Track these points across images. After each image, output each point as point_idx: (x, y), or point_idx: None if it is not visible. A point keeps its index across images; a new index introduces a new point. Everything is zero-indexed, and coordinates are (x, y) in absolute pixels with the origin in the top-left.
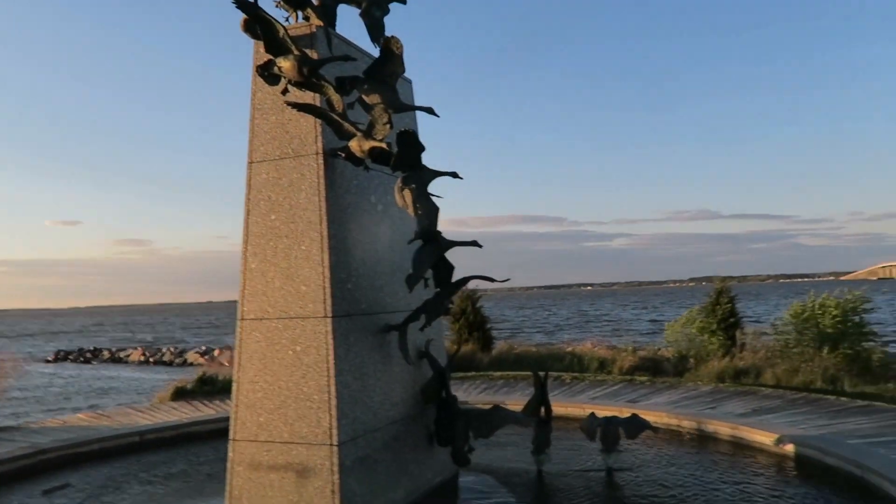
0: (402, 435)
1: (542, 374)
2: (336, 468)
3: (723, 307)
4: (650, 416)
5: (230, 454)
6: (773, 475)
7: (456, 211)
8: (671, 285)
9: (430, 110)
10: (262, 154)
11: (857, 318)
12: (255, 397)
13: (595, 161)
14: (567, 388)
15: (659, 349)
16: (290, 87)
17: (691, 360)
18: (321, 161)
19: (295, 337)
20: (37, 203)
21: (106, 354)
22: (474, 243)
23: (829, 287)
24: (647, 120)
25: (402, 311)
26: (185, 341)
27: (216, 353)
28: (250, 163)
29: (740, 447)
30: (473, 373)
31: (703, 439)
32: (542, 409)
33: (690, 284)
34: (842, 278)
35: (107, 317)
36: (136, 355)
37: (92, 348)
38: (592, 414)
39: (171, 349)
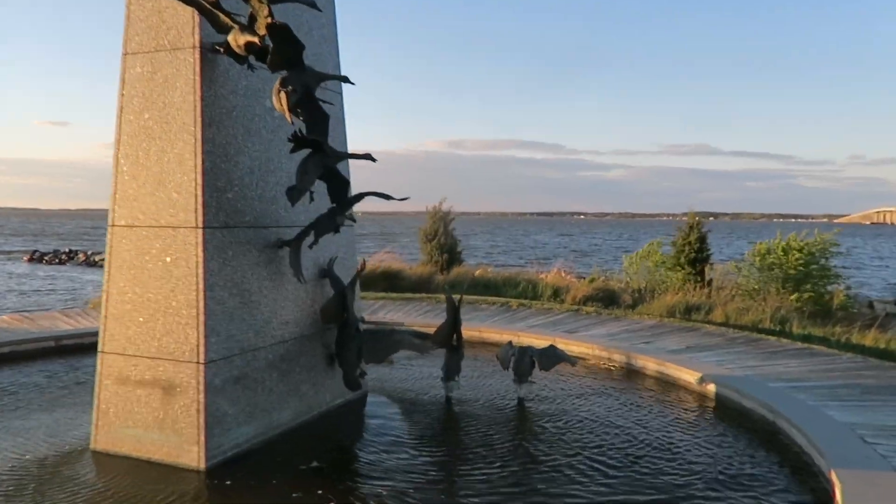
0: (294, 355)
1: (455, 297)
2: (202, 387)
3: (692, 243)
4: (582, 348)
5: (98, 367)
6: (682, 413)
7: (454, 132)
8: (664, 218)
9: (311, 3)
10: (137, 45)
11: (822, 262)
12: (124, 309)
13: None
14: (510, 315)
15: (609, 280)
16: None
17: (645, 294)
18: (198, 56)
19: (165, 247)
20: (26, 102)
21: (81, 257)
22: (368, 156)
23: (822, 229)
24: (651, 48)
25: (300, 226)
26: None
27: None
28: (124, 54)
29: (664, 384)
30: (423, 294)
31: (629, 374)
32: (454, 336)
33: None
34: (835, 220)
35: (94, 220)
36: None
37: (67, 250)
38: (509, 343)
39: None
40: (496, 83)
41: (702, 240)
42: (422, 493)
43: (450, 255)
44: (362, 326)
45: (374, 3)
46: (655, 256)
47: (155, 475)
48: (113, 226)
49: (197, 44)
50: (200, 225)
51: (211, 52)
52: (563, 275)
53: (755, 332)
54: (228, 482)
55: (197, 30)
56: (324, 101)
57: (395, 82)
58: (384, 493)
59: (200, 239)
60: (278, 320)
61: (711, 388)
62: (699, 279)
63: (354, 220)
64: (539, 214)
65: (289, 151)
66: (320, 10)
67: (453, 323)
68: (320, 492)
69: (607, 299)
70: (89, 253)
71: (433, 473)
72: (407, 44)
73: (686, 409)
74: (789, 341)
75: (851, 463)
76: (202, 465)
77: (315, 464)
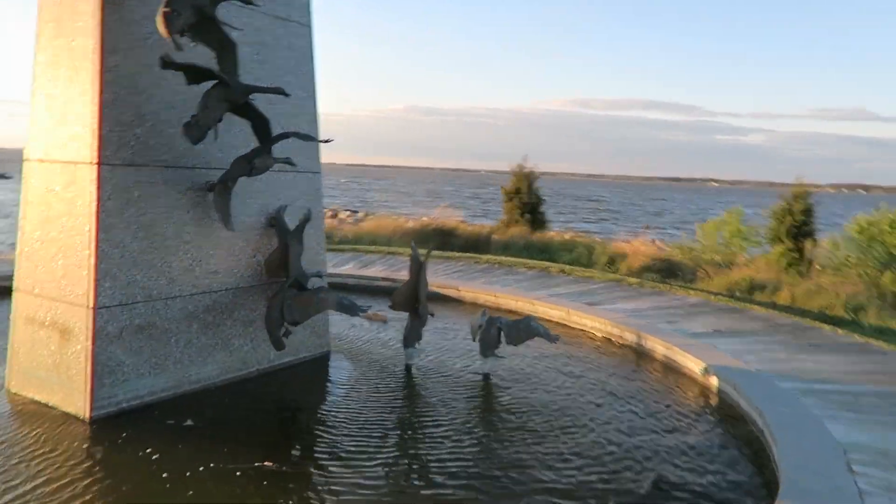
0: (224, 307)
1: (420, 252)
2: (90, 333)
3: (795, 214)
4: (595, 323)
5: (13, 305)
6: (662, 407)
7: (580, 91)
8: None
9: None
10: None
11: None
12: (34, 247)
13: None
14: (541, 281)
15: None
16: None
17: (714, 267)
18: None
19: (68, 183)
20: None
21: None
22: (279, 90)
23: None
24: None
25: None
26: None
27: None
28: None
29: (666, 369)
30: (470, 254)
31: (633, 356)
32: (416, 299)
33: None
34: None
35: None
36: None
37: None
38: (483, 311)
39: None
40: (631, 39)
41: (807, 212)
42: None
43: (532, 214)
44: (318, 283)
45: None
46: (732, 226)
47: (47, 420)
48: (27, 160)
49: None
50: (96, 161)
51: None
52: (642, 243)
53: (814, 319)
54: (111, 434)
55: None
56: (229, 26)
57: (528, 30)
58: (245, 453)
59: (95, 176)
60: (203, 269)
61: (713, 381)
62: (798, 256)
63: (292, 164)
64: (667, 180)
65: (186, 84)
66: None
67: (415, 284)
68: (186, 450)
69: (666, 271)
70: None
71: (323, 441)
72: None
73: (670, 403)
74: (846, 333)
75: (808, 495)
76: (87, 415)
77: (189, 422)
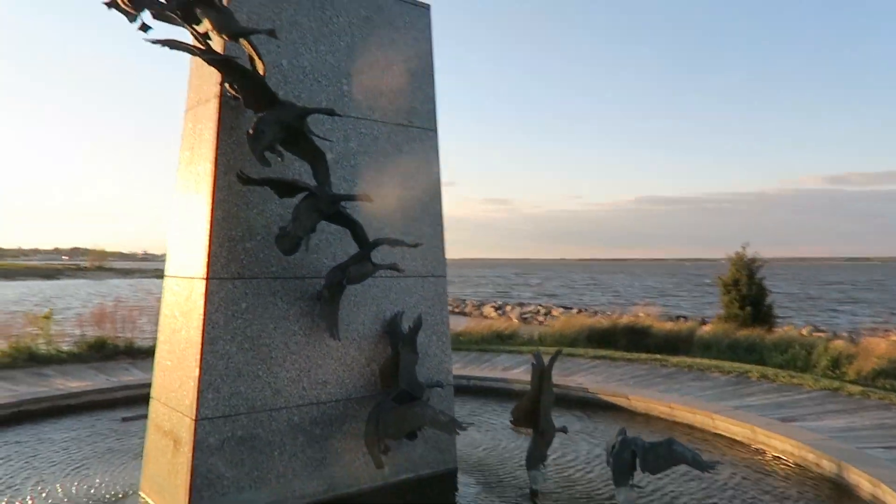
0: (333, 419)
1: (540, 358)
2: (192, 444)
3: None
4: (786, 445)
5: (149, 412)
6: None
7: (832, 166)
8: None
9: (270, 32)
10: (189, 102)
11: None
12: (162, 357)
13: None
14: (735, 389)
15: None
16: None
17: None
18: (217, 104)
19: (187, 297)
20: None
21: None
22: (366, 198)
23: None
24: None
25: None
26: (518, 296)
27: (507, 308)
28: (184, 112)
29: None
30: (661, 356)
31: (829, 492)
32: (539, 413)
33: None
34: None
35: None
36: None
37: None
38: (622, 429)
39: (473, 301)
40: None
41: None
42: None
43: (754, 307)
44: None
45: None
46: None
47: None
48: (165, 276)
49: (218, 94)
50: (205, 276)
51: (233, 101)
52: (885, 338)
53: None
54: None
55: (219, 79)
56: (317, 137)
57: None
58: None
59: (204, 290)
60: (311, 379)
61: None
62: None
63: (398, 270)
64: None
65: (278, 198)
66: (276, 38)
67: (536, 396)
68: None
69: None
70: None
71: None
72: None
73: None
74: None
75: None
76: None
77: None
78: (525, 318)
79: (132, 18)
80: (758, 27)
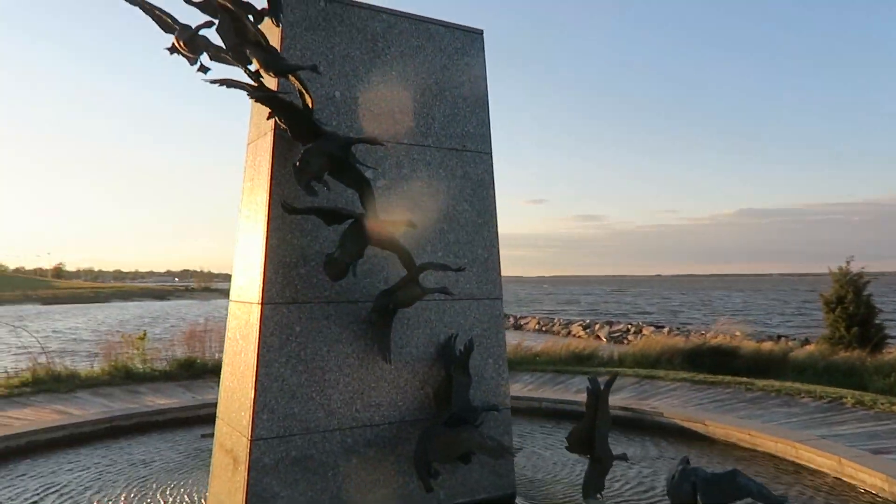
0: (388, 442)
1: (596, 382)
2: (247, 463)
3: None
4: (875, 479)
5: (215, 431)
6: None
7: None
8: None
9: (313, 68)
10: (250, 136)
11: None
12: (226, 378)
13: None
14: (826, 416)
15: None
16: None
17: None
18: (272, 137)
19: (246, 322)
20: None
21: (510, 321)
22: (410, 224)
23: None
24: None
25: None
26: (609, 313)
27: (595, 326)
28: (247, 144)
29: None
30: (747, 379)
31: None
32: (594, 439)
33: None
34: None
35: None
36: (532, 323)
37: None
38: (683, 458)
39: (560, 320)
40: None
41: None
42: None
43: (861, 327)
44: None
45: None
46: None
47: None
48: (230, 301)
49: (273, 127)
50: (260, 301)
51: (286, 134)
52: None
53: None
54: None
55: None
56: (362, 165)
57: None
58: None
59: (259, 314)
60: (364, 402)
61: None
62: None
63: (449, 293)
64: None
65: (326, 225)
66: (319, 73)
67: (592, 422)
68: None
69: None
70: (518, 317)
71: None
72: None
73: None
74: None
75: None
76: None
77: None
78: (615, 337)
79: (192, 61)
80: (865, 29)
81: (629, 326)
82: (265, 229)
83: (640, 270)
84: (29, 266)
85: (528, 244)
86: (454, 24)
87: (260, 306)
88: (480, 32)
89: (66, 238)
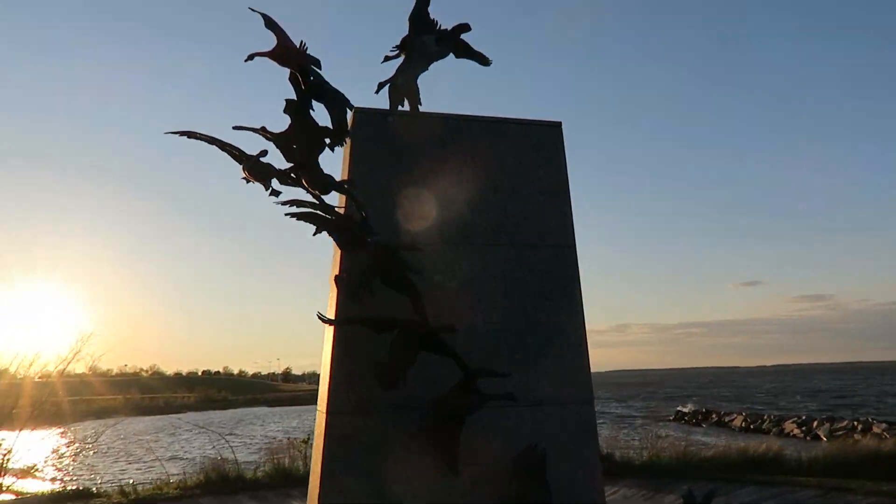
0: None
1: (692, 499)
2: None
3: None
4: None
5: None
6: None
7: None
8: None
9: (350, 184)
10: (334, 247)
11: None
12: (310, 486)
13: None
14: None
15: None
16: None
17: None
18: (334, 249)
19: (318, 432)
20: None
21: (714, 417)
22: (450, 328)
23: None
24: None
25: None
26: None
27: (814, 424)
28: (332, 256)
29: None
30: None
31: None
32: None
33: None
34: None
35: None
36: (738, 420)
37: (704, 410)
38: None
39: (771, 416)
40: None
41: None
42: None
43: None
44: None
45: None
46: None
47: None
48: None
49: None
50: (325, 410)
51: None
52: None
53: None
54: None
55: None
56: (412, 271)
57: None
58: None
59: (324, 423)
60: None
61: None
62: None
63: (512, 399)
64: None
65: (376, 333)
66: (356, 189)
67: None
68: None
69: None
70: (721, 413)
71: None
72: None
73: None
74: None
75: None
76: None
77: None
78: (837, 436)
79: (266, 186)
80: None
81: (855, 424)
82: (332, 339)
83: (879, 356)
84: (264, 371)
85: (743, 331)
86: (529, 119)
87: (325, 415)
88: (558, 125)
89: (293, 343)
